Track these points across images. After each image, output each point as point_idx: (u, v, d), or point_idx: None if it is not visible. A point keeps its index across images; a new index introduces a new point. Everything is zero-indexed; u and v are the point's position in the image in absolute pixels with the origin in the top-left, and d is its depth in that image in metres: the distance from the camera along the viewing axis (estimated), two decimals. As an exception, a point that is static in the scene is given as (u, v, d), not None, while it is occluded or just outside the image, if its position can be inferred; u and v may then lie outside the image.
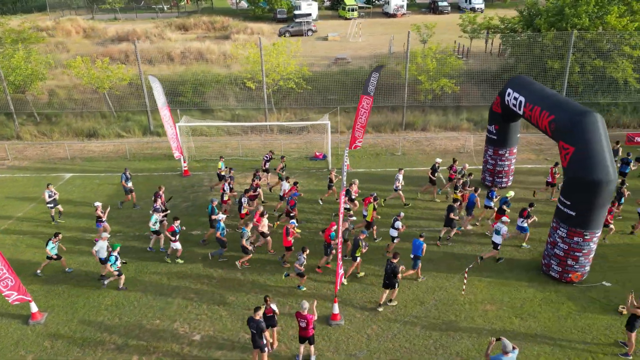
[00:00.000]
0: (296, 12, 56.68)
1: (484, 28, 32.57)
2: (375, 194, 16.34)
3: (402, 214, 15.50)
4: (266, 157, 20.22)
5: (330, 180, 18.66)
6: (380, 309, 13.15)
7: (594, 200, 12.74)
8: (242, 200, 16.87)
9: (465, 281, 13.94)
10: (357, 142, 21.67)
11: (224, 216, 15.78)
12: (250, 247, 14.92)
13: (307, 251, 13.83)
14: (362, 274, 14.66)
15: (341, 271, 12.47)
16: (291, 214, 16.61)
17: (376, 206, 16.28)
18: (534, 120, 15.33)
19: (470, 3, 65.44)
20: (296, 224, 15.66)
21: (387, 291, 13.09)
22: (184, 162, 21.67)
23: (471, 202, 16.55)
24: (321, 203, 18.95)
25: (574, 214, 13.14)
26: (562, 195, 13.44)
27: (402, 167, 19.45)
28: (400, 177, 18.15)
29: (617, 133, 25.53)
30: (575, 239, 13.29)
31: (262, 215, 15.68)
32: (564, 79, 26.40)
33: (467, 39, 37.06)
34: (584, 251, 13.39)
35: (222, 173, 19.38)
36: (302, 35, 52.96)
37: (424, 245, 13.89)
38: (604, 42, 26.45)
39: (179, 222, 15.11)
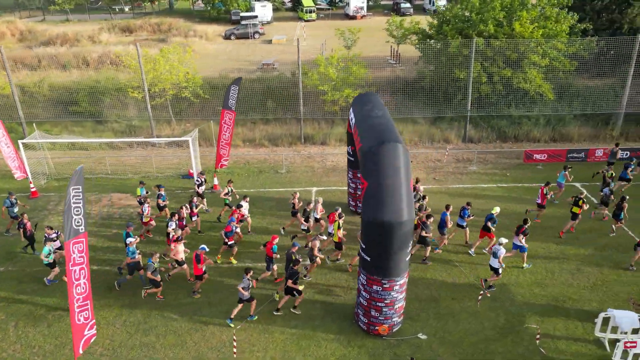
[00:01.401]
0: (242, 14, 54.77)
1: (410, 33, 30.74)
2: (339, 209, 15.23)
3: None
4: (197, 180, 18.27)
5: (293, 206, 16.83)
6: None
7: (387, 244, 10.98)
8: (169, 224, 15.25)
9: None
10: (222, 161, 19.88)
11: (134, 239, 14.23)
12: (159, 279, 13.55)
13: (251, 273, 12.68)
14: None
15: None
16: (226, 242, 15.22)
17: (341, 224, 15.01)
18: (357, 146, 13.57)
19: (433, 5, 63.66)
20: (207, 249, 14.02)
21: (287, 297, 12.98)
22: (30, 183, 19.82)
23: (442, 222, 15.46)
24: (282, 233, 17.02)
25: (369, 259, 11.38)
26: (361, 237, 11.69)
27: (280, 186, 17.80)
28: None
29: (515, 150, 23.74)
30: (375, 287, 11.54)
31: (177, 240, 14.27)
32: (468, 90, 24.65)
33: (401, 45, 35.30)
34: (386, 301, 11.63)
35: (142, 200, 17.47)
36: (248, 38, 51.26)
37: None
38: (512, 50, 24.66)
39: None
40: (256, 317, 13.06)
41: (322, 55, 27.11)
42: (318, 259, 14.50)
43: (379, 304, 11.67)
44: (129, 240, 14.17)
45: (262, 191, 20.39)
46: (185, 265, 14.46)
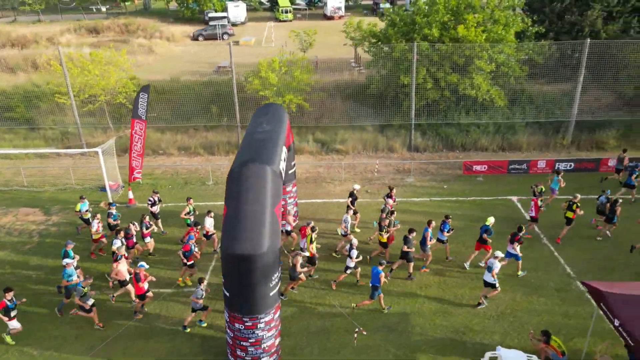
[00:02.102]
0: (210, 14, 53.63)
1: (368, 35, 29.56)
2: (312, 223, 14.67)
3: (355, 241, 14.02)
4: (150, 200, 16.94)
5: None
6: None
7: (245, 278, 9.90)
8: (114, 242, 14.21)
9: None
10: (135, 173, 18.77)
11: (72, 260, 13.19)
12: (88, 304, 12.50)
13: (205, 282, 12.51)
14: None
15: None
16: (185, 262, 14.18)
17: (314, 238, 14.40)
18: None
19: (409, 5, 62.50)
20: (146, 266, 13.08)
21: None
22: None
23: (424, 237, 14.72)
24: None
25: (228, 294, 10.29)
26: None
27: (202, 200, 16.92)
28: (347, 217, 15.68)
29: (457, 160, 22.63)
30: (237, 325, 10.44)
31: (117, 260, 13.34)
32: (411, 96, 23.57)
33: (359, 47, 34.15)
34: (250, 340, 10.53)
35: (85, 217, 16.41)
36: (217, 39, 50.13)
37: (382, 274, 12.61)
38: (459, 55, 23.56)
39: (12, 293, 12.12)
40: (205, 324, 12.92)
41: (265, 59, 25.97)
42: (302, 275, 13.66)
43: (244, 343, 10.59)
44: (66, 261, 13.08)
45: (182, 205, 19.22)
46: (129, 286, 13.48)
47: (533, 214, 16.46)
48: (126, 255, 14.00)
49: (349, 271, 14.09)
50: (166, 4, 67.59)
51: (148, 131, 26.21)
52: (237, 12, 58.15)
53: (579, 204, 15.95)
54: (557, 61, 26.05)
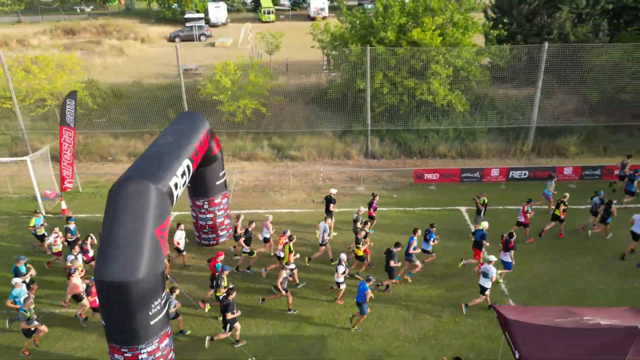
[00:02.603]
0: (187, 15, 52.90)
1: (331, 37, 28.83)
2: (288, 232, 14.22)
3: (344, 256, 13.44)
4: None
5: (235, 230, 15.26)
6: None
7: (121, 306, 9.18)
8: (68, 257, 13.59)
9: None
10: (66, 183, 18.05)
11: (20, 280, 12.50)
12: (34, 327, 11.69)
13: (177, 291, 12.02)
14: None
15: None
16: None
17: (292, 247, 13.80)
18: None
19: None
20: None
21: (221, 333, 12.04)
22: None
23: (408, 246, 14.16)
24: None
25: (103, 322, 9.58)
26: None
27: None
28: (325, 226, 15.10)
29: (410, 169, 21.87)
30: (116, 356, 9.72)
31: (71, 274, 12.75)
32: (366, 101, 22.85)
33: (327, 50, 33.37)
34: (134, 371, 9.83)
35: (39, 233, 15.60)
36: (193, 40, 49.42)
37: (368, 290, 12.06)
38: (416, 59, 22.84)
39: None
40: (189, 332, 12.60)
41: (218, 62, 25.25)
42: (282, 292, 12.96)
43: (128, 375, 9.88)
44: (15, 280, 12.37)
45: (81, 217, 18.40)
46: (84, 301, 12.78)
47: (522, 220, 15.97)
48: (81, 269, 13.21)
49: (342, 286, 13.47)
50: (148, 4, 66.90)
51: (98, 137, 25.59)
52: (218, 13, 57.41)
53: (567, 203, 15.97)
54: (525, 64, 25.35)
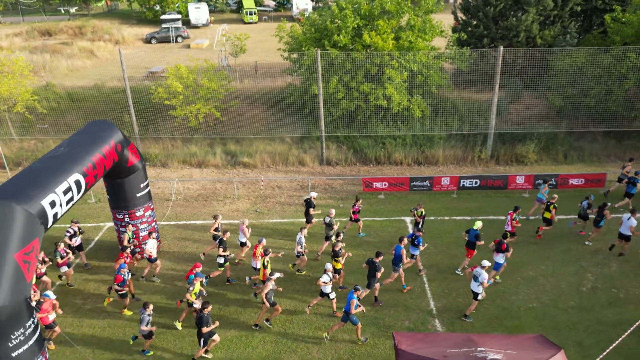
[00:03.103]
0: (163, 16, 52.22)
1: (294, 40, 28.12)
2: (263, 240, 13.94)
3: (329, 266, 12.85)
4: (69, 231, 14.86)
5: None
6: None
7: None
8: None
9: None
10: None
11: None
12: None
13: (150, 307, 11.51)
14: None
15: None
16: (118, 291, 12.88)
17: (267, 263, 13.24)
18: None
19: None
20: (52, 296, 11.83)
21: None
22: None
23: (397, 255, 13.61)
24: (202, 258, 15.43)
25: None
26: None
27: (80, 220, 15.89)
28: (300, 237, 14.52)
29: (354, 177, 21.19)
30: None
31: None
32: (319, 106, 22.17)
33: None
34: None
35: None
36: (170, 41, 48.75)
37: (354, 300, 11.67)
38: (372, 63, 22.16)
39: None
40: (151, 353, 11.95)
41: (171, 67, 24.55)
42: (267, 304, 12.37)
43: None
44: None
45: (54, 227, 17.81)
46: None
47: (509, 229, 15.39)
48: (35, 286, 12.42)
49: (332, 295, 12.92)
50: (129, 5, 66.32)
51: (49, 142, 24.94)
52: (198, 14, 56.65)
53: (556, 205, 15.94)
54: (492, 67, 24.64)
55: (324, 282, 12.59)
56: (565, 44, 26.74)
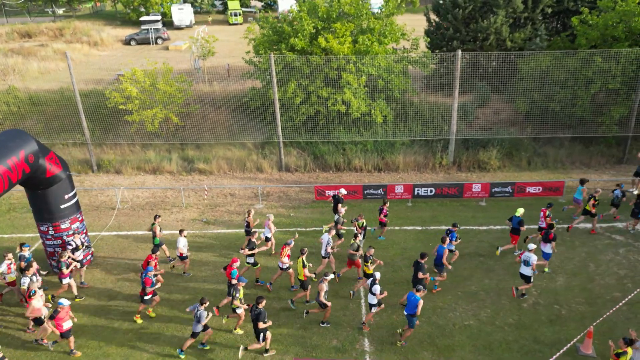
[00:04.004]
0: (142, 17, 51.65)
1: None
2: (292, 241, 13.92)
3: (378, 275, 12.47)
4: (71, 244, 14.20)
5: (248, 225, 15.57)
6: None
7: None
8: (22, 281, 12.58)
9: None
10: None
11: None
12: None
13: (207, 302, 11.59)
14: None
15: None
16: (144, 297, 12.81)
17: (305, 261, 13.12)
18: None
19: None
20: (66, 304, 11.57)
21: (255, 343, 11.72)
22: None
23: (440, 256, 13.74)
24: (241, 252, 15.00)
25: None
26: None
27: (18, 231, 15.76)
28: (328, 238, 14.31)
29: (311, 184, 20.56)
30: None
31: (30, 296, 11.73)
32: (275, 111, 21.58)
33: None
34: None
35: None
36: (149, 43, 48.19)
37: (421, 301, 11.50)
38: (329, 67, 21.56)
39: None
40: (208, 347, 12.11)
41: (128, 71, 23.96)
42: (328, 304, 12.54)
43: None
44: None
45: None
46: (45, 324, 11.92)
47: (543, 224, 15.45)
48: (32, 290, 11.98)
49: (374, 309, 12.51)
50: (113, 6, 65.83)
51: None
52: (182, 15, 56.09)
53: (597, 198, 16.24)
54: (462, 72, 24.05)
55: (377, 294, 12.23)
56: (535, 46, 26.10)
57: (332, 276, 12.61)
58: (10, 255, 13.40)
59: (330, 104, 21.67)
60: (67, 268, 13.24)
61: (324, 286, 12.24)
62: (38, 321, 11.88)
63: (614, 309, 12.77)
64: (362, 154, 22.38)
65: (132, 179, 21.88)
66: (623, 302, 12.97)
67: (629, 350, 10.17)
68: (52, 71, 37.57)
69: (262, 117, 24.35)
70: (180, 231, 14.64)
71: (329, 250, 14.24)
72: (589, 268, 14.84)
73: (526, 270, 13.15)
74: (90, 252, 15.36)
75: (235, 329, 12.55)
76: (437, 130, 22.95)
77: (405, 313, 11.84)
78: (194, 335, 11.59)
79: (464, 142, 22.64)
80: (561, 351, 11.18)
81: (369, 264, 13.29)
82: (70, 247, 14.07)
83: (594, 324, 12.06)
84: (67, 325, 11.58)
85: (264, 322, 11.29)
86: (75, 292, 13.75)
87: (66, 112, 25.99)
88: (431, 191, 18.83)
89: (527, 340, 12.17)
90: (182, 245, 14.48)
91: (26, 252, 13.76)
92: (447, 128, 22.59)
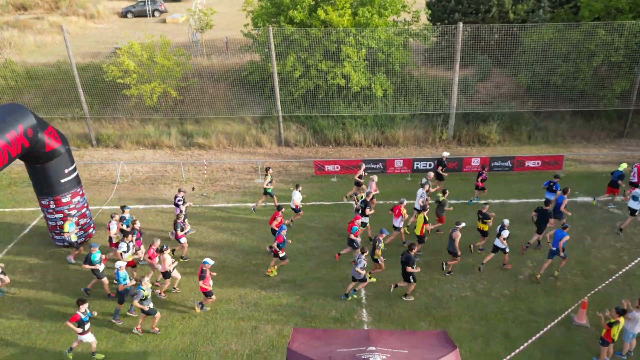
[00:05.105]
0: (138, -11, 50.54)
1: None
2: (404, 200, 14.67)
3: (507, 222, 13.56)
4: (180, 199, 15.16)
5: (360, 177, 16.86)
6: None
7: None
8: (120, 246, 13.02)
9: None
10: None
11: (122, 264, 12.20)
12: (147, 308, 11.56)
13: (366, 252, 12.52)
14: (373, 279, 13.53)
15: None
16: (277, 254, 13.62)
17: (426, 217, 14.04)
18: None
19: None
20: (210, 262, 12.20)
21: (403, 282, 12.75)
22: None
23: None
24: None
25: None
26: None
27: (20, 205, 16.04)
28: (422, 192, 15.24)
29: (310, 159, 20.54)
30: None
31: (160, 250, 12.53)
32: (274, 85, 21.41)
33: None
34: None
35: (73, 240, 14.37)
36: (146, 16, 47.39)
37: (567, 236, 12.87)
38: (330, 40, 21.28)
39: (86, 305, 10.91)
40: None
41: (125, 44, 23.65)
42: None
43: None
44: (119, 264, 12.03)
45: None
46: (174, 274, 13.10)
47: (635, 180, 16.26)
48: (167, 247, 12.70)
49: (508, 250, 13.62)
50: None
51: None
52: (178, -13, 54.91)
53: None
54: (464, 45, 23.72)
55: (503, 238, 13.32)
56: (538, 18, 25.68)
57: (463, 224, 13.53)
58: (117, 217, 13.87)
59: (330, 78, 21.49)
60: (182, 230, 14.09)
61: (458, 233, 13.19)
62: (165, 275, 12.75)
63: (609, 280, 12.95)
64: (361, 128, 22.32)
65: (131, 154, 21.90)
66: (618, 274, 13.15)
67: (621, 320, 10.38)
68: (48, 44, 37.10)
69: (261, 91, 24.16)
70: (297, 185, 15.83)
71: (420, 203, 14.95)
72: (586, 241, 15.00)
73: (634, 204, 14.76)
74: (92, 225, 15.49)
75: (369, 278, 13.23)
76: (438, 105, 22.82)
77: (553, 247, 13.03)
78: (353, 279, 12.61)
79: (464, 116, 22.53)
80: (555, 321, 11.40)
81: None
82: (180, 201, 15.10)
83: (589, 295, 12.27)
84: (210, 284, 12.31)
85: (412, 267, 12.22)
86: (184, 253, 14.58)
87: (64, 86, 25.78)
88: (430, 165, 18.85)
89: (522, 310, 12.40)
90: (297, 198, 15.57)
91: (127, 214, 14.23)
92: (448, 102, 22.44)
